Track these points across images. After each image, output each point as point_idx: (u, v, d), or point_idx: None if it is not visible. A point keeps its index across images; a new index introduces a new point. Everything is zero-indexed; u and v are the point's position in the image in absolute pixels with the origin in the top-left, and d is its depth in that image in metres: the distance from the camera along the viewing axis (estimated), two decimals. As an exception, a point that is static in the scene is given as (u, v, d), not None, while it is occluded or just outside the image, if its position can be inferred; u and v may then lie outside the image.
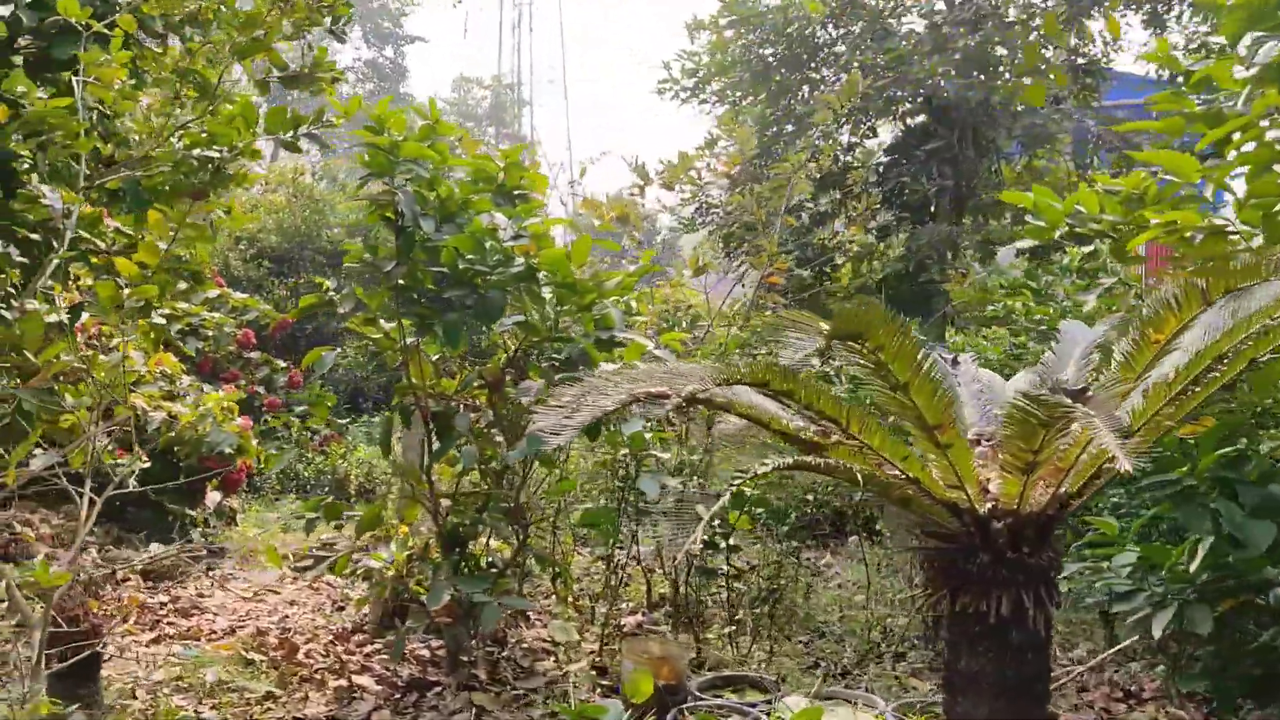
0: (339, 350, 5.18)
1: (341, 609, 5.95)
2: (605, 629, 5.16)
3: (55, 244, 3.91)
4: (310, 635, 5.37)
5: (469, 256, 4.48)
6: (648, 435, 4.89)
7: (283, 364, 9.65)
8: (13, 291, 3.42)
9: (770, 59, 10.21)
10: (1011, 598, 2.81)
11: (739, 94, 10.48)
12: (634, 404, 2.70)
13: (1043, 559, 2.87)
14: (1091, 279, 5.65)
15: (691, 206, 8.65)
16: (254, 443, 7.04)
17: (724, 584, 5.12)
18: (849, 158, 7.91)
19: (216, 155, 3.74)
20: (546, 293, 4.48)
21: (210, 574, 6.71)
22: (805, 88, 10.64)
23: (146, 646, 5.24)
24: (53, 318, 3.43)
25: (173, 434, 6.91)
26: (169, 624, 5.67)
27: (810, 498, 5.50)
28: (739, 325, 6.65)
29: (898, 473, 2.79)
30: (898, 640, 5.36)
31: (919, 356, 2.55)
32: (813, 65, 10.40)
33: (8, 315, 3.20)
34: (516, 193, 4.72)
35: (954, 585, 2.91)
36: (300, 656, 5.02)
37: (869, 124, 9.28)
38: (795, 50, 10.17)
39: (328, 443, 9.35)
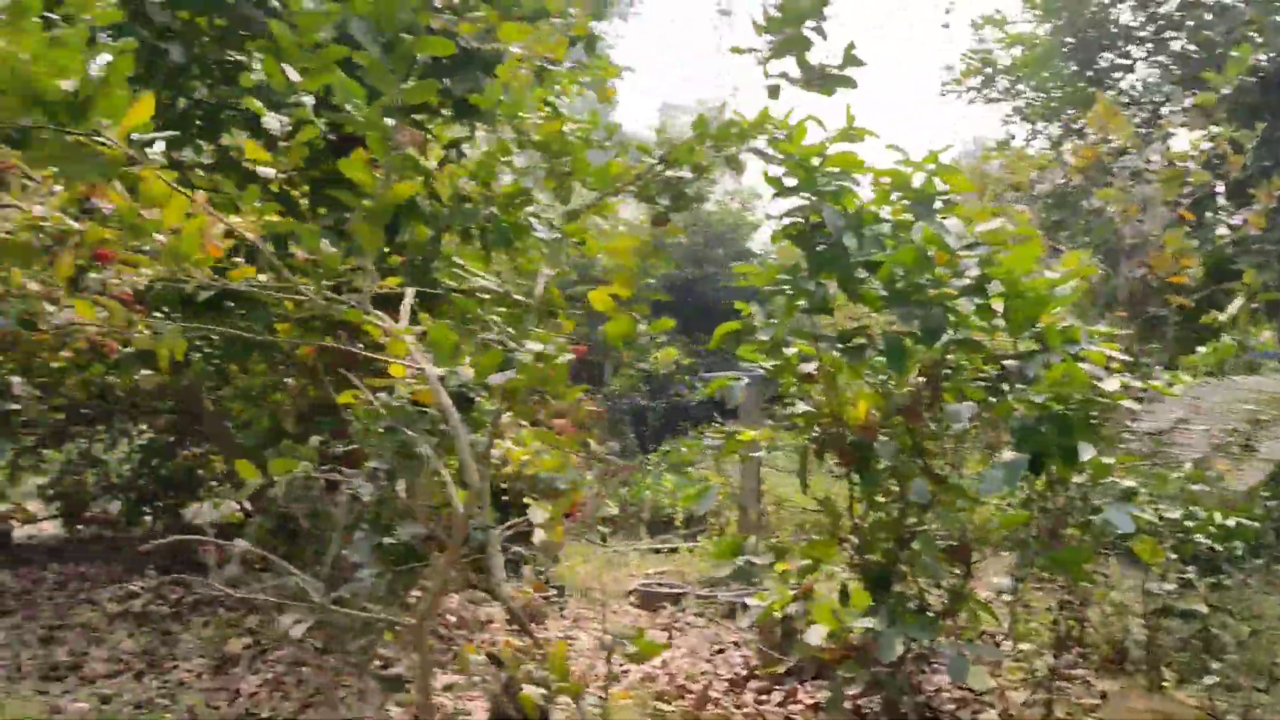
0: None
1: (721, 651, 5.65)
2: (1044, 676, 4.64)
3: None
4: (705, 683, 5.08)
5: (900, 271, 4.12)
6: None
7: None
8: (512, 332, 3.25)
9: (1066, 47, 9.50)
10: None
11: (1034, 87, 9.80)
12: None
13: None
14: None
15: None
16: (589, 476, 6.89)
17: (1201, 626, 4.51)
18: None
19: (684, 177, 3.49)
20: (997, 306, 4.04)
21: (563, 614, 6.57)
22: (1112, 74, 9.86)
23: (540, 694, 5.06)
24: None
25: (508, 469, 6.85)
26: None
27: None
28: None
29: None
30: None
31: None
32: (1113, 51, 9.62)
33: (524, 358, 3.02)
34: (940, 199, 4.31)
35: None
36: (711, 708, 4.73)
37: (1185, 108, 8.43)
38: (1090, 37, 9.43)
39: (629, 474, 9.18)
